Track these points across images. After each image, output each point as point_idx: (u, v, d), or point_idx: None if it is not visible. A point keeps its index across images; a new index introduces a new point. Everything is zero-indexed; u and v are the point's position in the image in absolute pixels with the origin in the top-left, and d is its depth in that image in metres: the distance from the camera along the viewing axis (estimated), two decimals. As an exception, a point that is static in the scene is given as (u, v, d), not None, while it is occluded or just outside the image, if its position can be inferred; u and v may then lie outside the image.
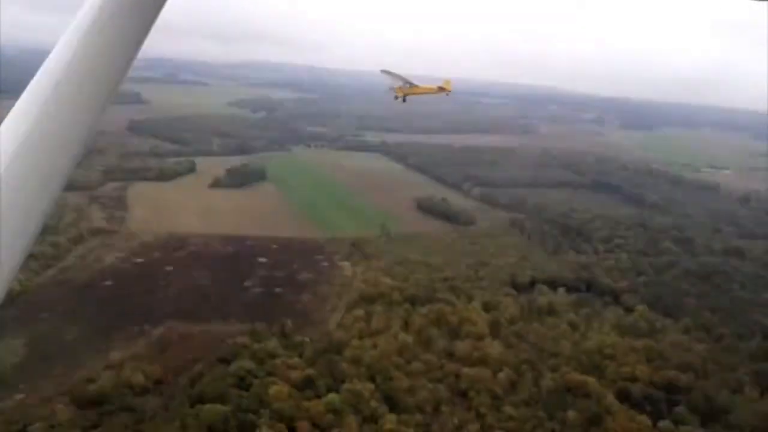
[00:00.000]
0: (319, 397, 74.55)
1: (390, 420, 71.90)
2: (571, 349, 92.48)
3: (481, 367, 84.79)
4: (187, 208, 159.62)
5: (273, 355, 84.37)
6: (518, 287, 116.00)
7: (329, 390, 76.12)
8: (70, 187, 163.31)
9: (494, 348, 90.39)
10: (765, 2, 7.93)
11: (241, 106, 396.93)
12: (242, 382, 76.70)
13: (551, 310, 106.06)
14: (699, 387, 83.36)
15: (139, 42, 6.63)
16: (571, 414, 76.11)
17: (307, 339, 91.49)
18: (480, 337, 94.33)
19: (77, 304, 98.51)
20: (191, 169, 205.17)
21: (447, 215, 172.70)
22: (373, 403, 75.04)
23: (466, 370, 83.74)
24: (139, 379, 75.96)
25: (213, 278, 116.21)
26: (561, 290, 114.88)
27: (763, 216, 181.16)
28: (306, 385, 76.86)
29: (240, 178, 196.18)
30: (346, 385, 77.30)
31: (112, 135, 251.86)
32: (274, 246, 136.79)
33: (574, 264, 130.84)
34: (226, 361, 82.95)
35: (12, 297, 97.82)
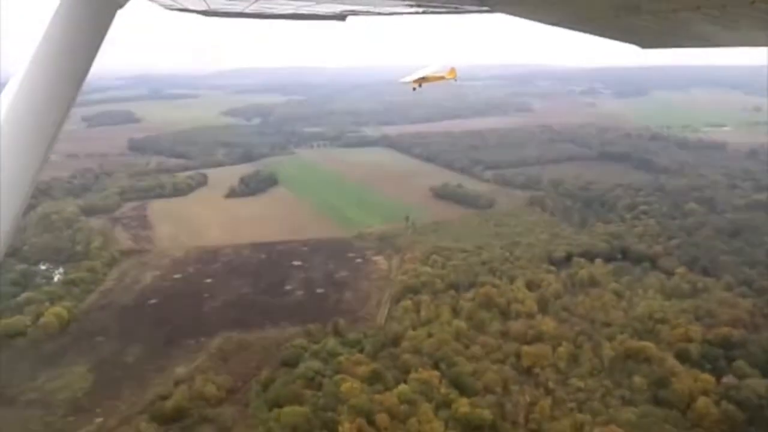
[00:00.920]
0: (389, 389, 75.55)
1: (463, 404, 72.90)
2: (623, 317, 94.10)
3: (539, 343, 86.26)
4: (209, 221, 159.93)
5: (334, 354, 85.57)
6: (555, 263, 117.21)
7: (397, 382, 77.28)
8: (90, 212, 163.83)
9: (547, 324, 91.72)
10: None
11: (235, 115, 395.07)
12: (312, 383, 77.94)
13: (593, 282, 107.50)
14: (753, 341, 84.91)
15: (96, 47, 7.67)
16: (637, 379, 77.72)
17: (362, 335, 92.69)
18: (531, 315, 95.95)
19: (129, 325, 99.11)
20: (204, 182, 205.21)
21: (465, 200, 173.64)
22: (443, 390, 76.38)
23: (525, 348, 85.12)
24: (211, 390, 76.81)
25: (253, 285, 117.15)
26: (598, 261, 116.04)
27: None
28: (374, 379, 77.99)
29: (253, 186, 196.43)
30: (413, 375, 78.61)
31: (114, 156, 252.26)
32: (305, 248, 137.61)
33: (604, 234, 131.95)
34: (290, 364, 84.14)
35: (63, 325, 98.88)
